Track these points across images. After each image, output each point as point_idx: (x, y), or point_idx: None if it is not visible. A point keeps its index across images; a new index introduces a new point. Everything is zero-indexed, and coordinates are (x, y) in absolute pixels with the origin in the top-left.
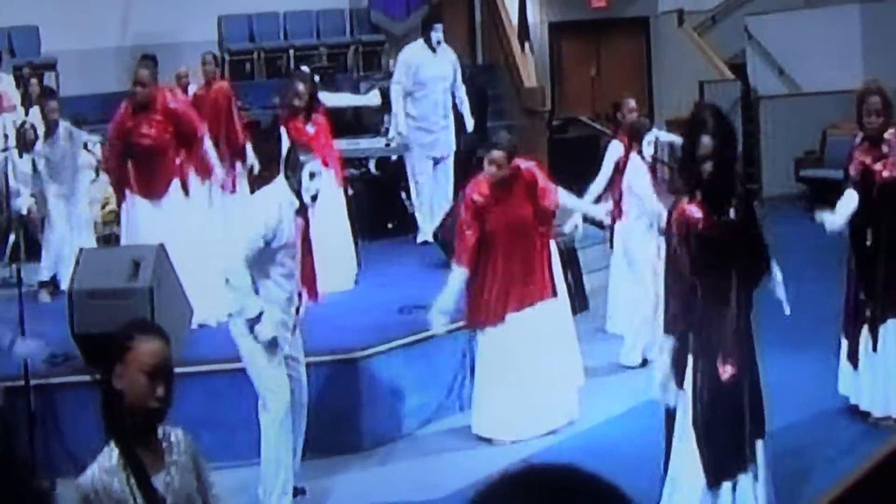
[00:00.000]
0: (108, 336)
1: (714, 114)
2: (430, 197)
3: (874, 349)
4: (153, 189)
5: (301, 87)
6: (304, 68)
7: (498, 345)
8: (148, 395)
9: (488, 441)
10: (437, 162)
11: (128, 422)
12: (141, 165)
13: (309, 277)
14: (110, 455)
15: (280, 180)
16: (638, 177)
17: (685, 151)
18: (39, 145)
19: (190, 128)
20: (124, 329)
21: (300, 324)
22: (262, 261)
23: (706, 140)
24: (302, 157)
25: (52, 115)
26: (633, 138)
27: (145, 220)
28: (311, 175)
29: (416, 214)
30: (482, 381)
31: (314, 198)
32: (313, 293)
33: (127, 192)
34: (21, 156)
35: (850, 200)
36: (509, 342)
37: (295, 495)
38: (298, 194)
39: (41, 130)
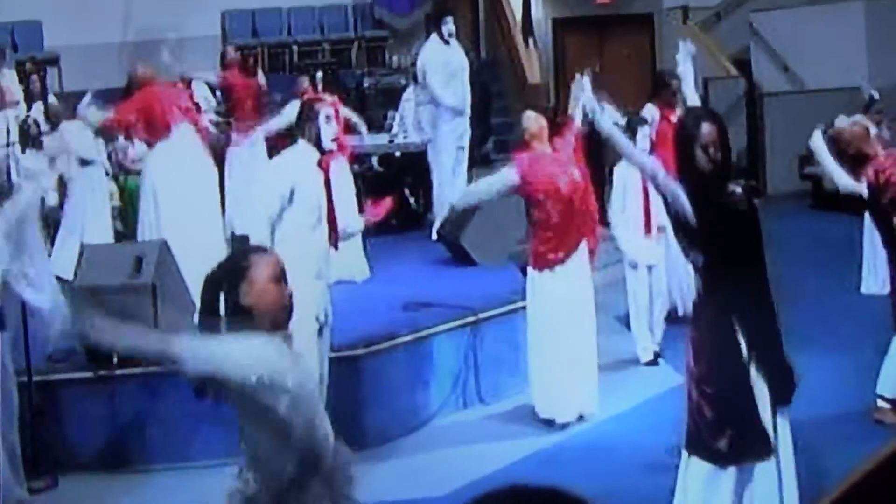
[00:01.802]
0: (227, 264)
1: (704, 108)
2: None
3: None
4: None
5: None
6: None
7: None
8: (279, 298)
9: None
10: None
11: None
12: None
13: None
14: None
15: (298, 144)
16: (629, 174)
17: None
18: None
19: None
20: (236, 256)
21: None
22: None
23: (707, 126)
24: (316, 105)
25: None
26: (628, 134)
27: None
28: (328, 118)
29: (436, 208)
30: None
31: (335, 140)
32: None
33: None
34: (24, 151)
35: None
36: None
37: None
38: (318, 144)
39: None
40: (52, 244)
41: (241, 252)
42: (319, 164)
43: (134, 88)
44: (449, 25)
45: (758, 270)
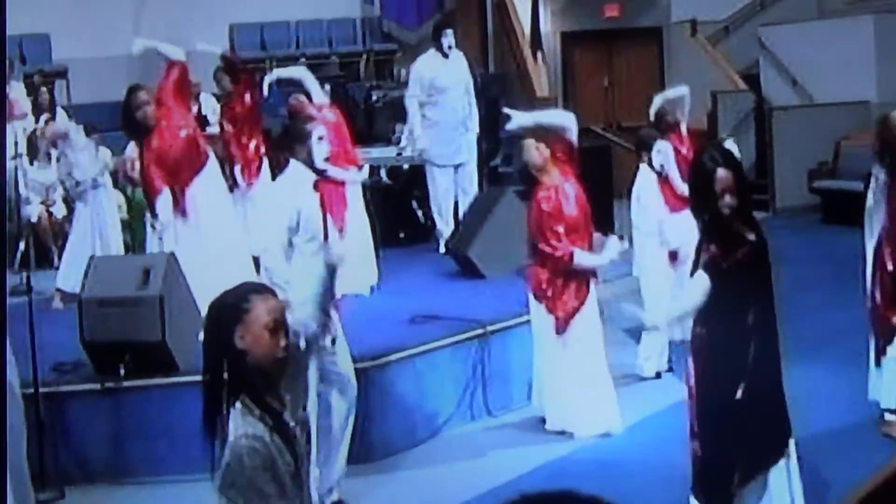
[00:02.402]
0: (225, 301)
1: (720, 148)
2: (452, 204)
3: None
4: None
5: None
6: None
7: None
8: (274, 348)
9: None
10: (457, 168)
11: (256, 379)
12: None
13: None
14: (243, 420)
15: (291, 166)
16: (646, 188)
17: (696, 195)
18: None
19: None
20: (239, 293)
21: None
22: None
23: (723, 172)
24: (307, 125)
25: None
26: (641, 149)
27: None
28: (320, 138)
29: (437, 222)
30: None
31: (327, 159)
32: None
33: None
34: (31, 163)
35: None
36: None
37: None
38: (311, 164)
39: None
40: (59, 257)
41: (243, 290)
42: (315, 185)
43: (142, 132)
44: (448, 38)
45: (763, 312)
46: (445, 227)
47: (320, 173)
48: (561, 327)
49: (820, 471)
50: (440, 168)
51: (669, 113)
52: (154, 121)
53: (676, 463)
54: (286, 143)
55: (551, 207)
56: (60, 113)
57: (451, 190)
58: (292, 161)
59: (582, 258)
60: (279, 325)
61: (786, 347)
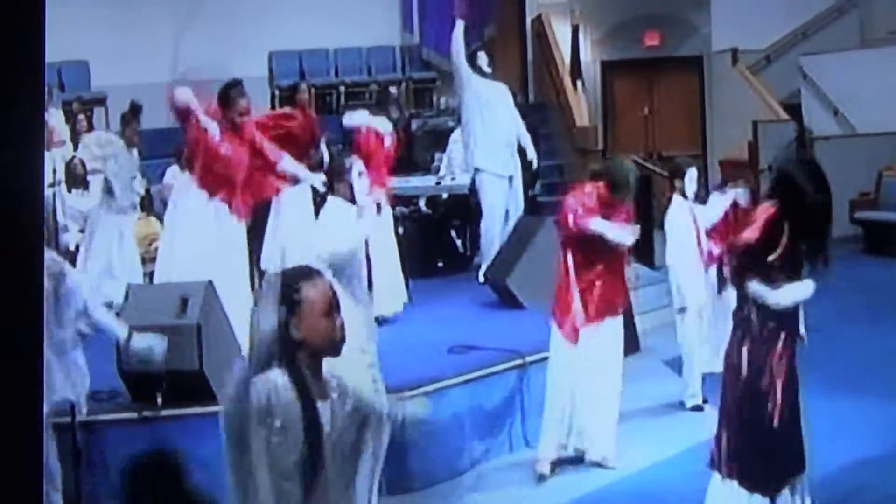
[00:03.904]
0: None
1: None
2: (502, 222)
3: None
4: None
5: None
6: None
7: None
8: (332, 332)
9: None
10: (510, 180)
11: (307, 361)
12: None
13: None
14: (283, 378)
15: (330, 202)
16: (676, 217)
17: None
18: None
19: None
20: (289, 282)
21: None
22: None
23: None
24: (346, 160)
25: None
26: (675, 176)
27: None
28: (360, 174)
29: (483, 243)
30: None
31: (369, 194)
32: None
33: None
34: (70, 191)
35: None
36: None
37: None
38: (352, 199)
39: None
40: None
41: (292, 278)
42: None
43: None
44: (482, 59)
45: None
46: (491, 247)
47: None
48: (571, 337)
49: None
50: (492, 177)
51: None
52: None
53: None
54: (327, 178)
55: (587, 198)
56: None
57: (503, 204)
58: (330, 197)
59: (598, 225)
60: (333, 307)
61: (829, 378)
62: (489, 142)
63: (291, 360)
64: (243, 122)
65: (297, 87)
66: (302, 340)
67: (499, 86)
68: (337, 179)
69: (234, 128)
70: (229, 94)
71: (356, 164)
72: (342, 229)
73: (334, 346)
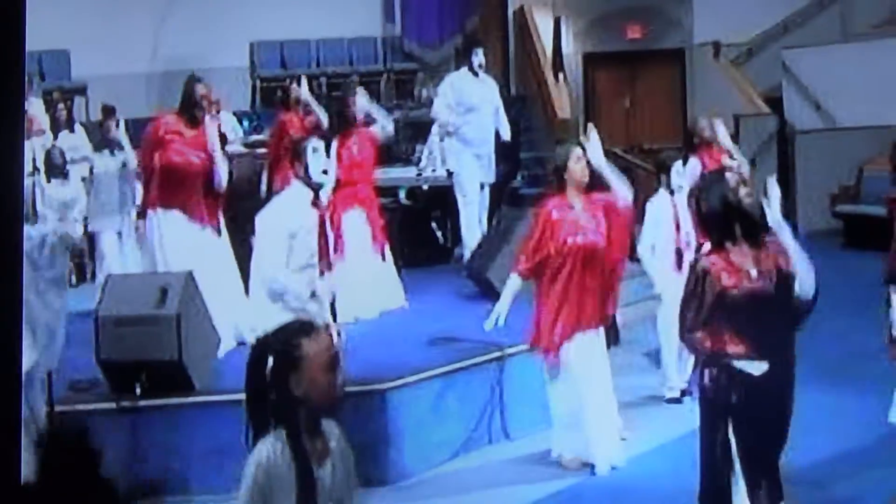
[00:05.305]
0: (276, 347)
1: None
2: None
3: None
4: None
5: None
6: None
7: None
8: (332, 389)
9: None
10: (482, 186)
11: (303, 420)
12: None
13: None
14: (277, 445)
15: (293, 185)
16: (658, 207)
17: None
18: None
19: None
20: (289, 338)
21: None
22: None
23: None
24: (303, 141)
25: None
26: (661, 171)
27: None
28: (314, 150)
29: (465, 238)
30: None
31: (325, 171)
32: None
33: None
34: (49, 181)
35: None
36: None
37: None
38: (308, 181)
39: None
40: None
41: (291, 333)
42: (314, 203)
43: None
44: (479, 56)
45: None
46: (473, 240)
47: (318, 187)
48: (552, 358)
49: (840, 491)
50: (469, 182)
51: (707, 129)
52: None
53: (692, 491)
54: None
55: (559, 217)
56: (79, 129)
57: (478, 206)
58: (293, 181)
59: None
60: (335, 363)
61: (807, 371)
62: (464, 148)
63: (290, 422)
64: (202, 116)
65: (289, 88)
66: (302, 397)
67: (486, 85)
68: (295, 159)
69: (193, 123)
70: (186, 89)
71: (311, 142)
72: (299, 215)
73: (333, 404)
